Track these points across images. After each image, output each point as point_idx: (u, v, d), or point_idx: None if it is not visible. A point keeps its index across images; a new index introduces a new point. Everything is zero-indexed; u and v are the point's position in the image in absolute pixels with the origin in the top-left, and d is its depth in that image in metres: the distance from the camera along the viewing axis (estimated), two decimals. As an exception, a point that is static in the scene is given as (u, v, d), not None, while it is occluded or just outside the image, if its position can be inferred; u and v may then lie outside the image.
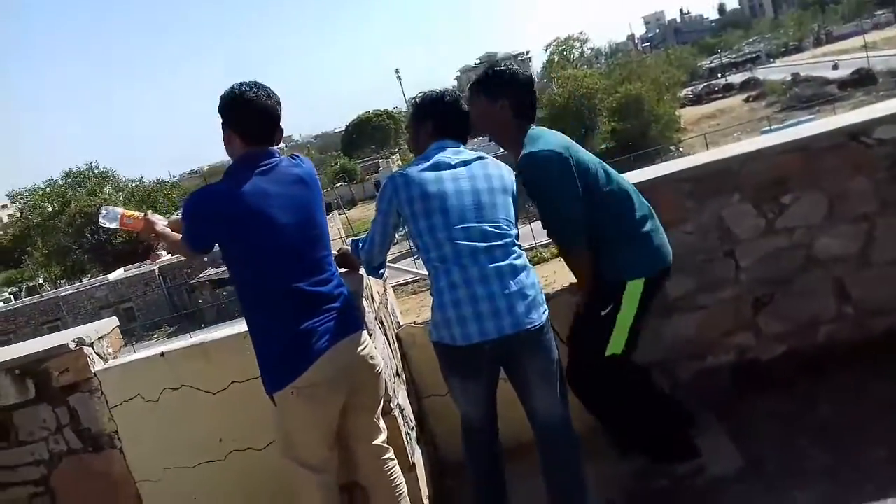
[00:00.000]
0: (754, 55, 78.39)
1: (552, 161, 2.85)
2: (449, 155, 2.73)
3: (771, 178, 3.40)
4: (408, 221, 2.71)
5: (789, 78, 52.24)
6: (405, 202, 2.67)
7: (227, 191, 2.60)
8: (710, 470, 3.06)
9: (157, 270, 39.20)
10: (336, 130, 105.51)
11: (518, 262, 2.64)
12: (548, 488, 2.78)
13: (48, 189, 54.11)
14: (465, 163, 2.73)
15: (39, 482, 3.43)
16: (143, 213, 3.00)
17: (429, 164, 2.71)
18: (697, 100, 61.39)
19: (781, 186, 3.40)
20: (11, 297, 51.66)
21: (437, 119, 2.83)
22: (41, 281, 53.04)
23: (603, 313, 2.96)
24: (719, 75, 71.91)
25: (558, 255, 3.31)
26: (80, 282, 46.27)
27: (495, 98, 2.99)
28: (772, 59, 76.48)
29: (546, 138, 2.95)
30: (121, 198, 51.32)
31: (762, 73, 62.87)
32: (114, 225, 3.02)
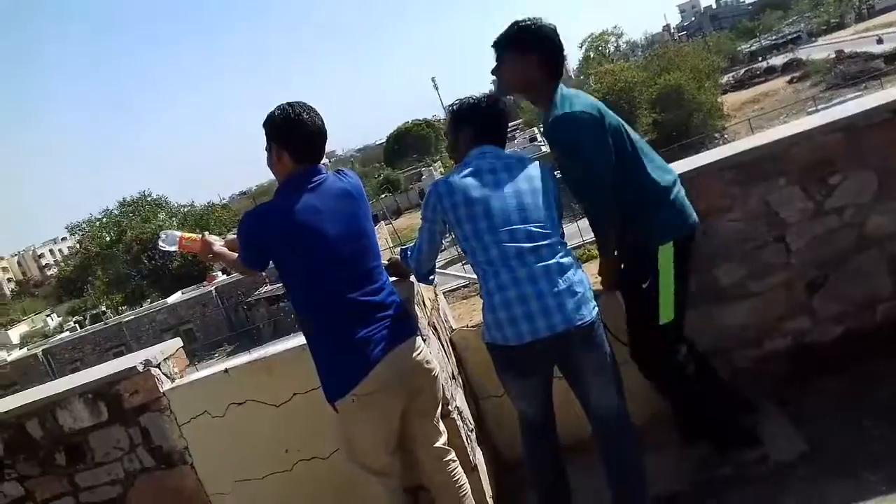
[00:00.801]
0: (795, 35, 76.48)
1: (588, 122, 2.86)
2: (490, 159, 2.78)
3: (816, 159, 3.36)
4: (453, 227, 2.76)
5: (833, 56, 50.88)
6: (449, 209, 2.73)
7: (280, 209, 2.69)
8: (774, 456, 3.04)
9: (213, 291, 40.02)
10: (377, 143, 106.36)
11: (565, 259, 2.67)
12: (608, 481, 2.80)
13: (104, 219, 55.50)
14: (507, 166, 2.77)
15: (117, 501, 3.58)
16: (200, 235, 3.11)
17: (470, 169, 2.76)
18: (739, 85, 60.17)
19: (828, 167, 3.36)
20: (77, 325, 53.17)
21: (475, 125, 2.87)
22: (103, 308, 54.45)
23: (644, 286, 2.97)
24: (760, 58, 70.33)
25: (585, 259, 3.32)
26: (141, 307, 47.40)
27: (524, 53, 2.97)
28: (813, 38, 74.63)
29: (581, 99, 2.96)
30: (174, 223, 52.41)
31: (804, 52, 61.33)
32: (174, 248, 3.14)
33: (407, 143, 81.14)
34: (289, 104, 2.74)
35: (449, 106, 3.01)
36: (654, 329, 3.02)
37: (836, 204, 3.39)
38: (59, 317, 65.48)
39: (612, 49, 68.86)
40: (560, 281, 2.62)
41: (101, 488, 3.59)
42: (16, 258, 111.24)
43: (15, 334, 59.96)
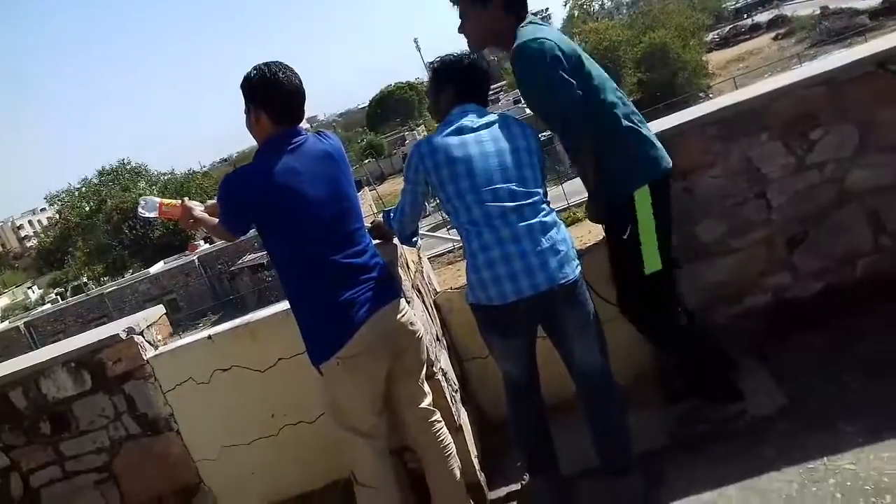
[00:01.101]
0: (780, -9, 76.12)
1: (537, 49, 2.80)
2: (471, 118, 2.75)
3: (798, 114, 3.35)
4: (436, 188, 2.74)
5: (818, 12, 50.71)
6: (431, 169, 2.70)
7: (259, 171, 2.66)
8: (754, 411, 3.08)
9: (196, 260, 39.78)
10: (360, 107, 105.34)
11: (548, 218, 2.66)
12: (593, 439, 2.83)
13: (84, 189, 54.85)
14: (488, 125, 2.74)
15: (103, 468, 3.60)
16: (180, 201, 3.08)
17: (452, 129, 2.73)
18: (724, 43, 59.90)
19: (810, 122, 3.35)
20: (58, 297, 52.83)
21: (457, 83, 2.84)
22: (85, 279, 54.07)
23: (625, 237, 2.95)
24: (745, 15, 69.98)
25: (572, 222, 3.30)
26: (123, 277, 47.12)
27: (485, 3, 2.93)
28: (798, -6, 74.28)
29: (543, 30, 2.90)
30: (154, 191, 51.87)
31: (789, 8, 61.00)
32: (153, 214, 3.10)
33: (390, 107, 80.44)
34: (265, 64, 2.70)
35: (430, 63, 2.97)
36: (643, 280, 3.00)
37: (818, 159, 3.38)
38: (40, 289, 64.95)
39: (596, 7, 68.20)
40: (543, 240, 2.61)
41: (87, 457, 3.60)
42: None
43: (-4, 307, 59.58)
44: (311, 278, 2.68)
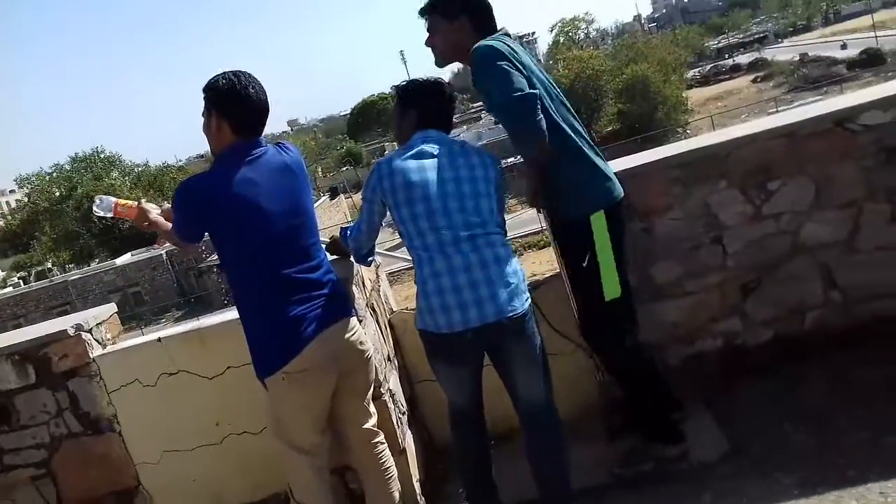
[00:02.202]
0: (762, 35, 77.64)
1: (494, 49, 2.81)
2: (432, 144, 2.76)
3: (758, 164, 3.41)
4: (391, 210, 2.74)
5: (797, 58, 51.81)
6: (388, 191, 2.71)
7: (216, 181, 2.64)
8: (696, 454, 3.11)
9: (164, 255, 39.34)
10: (342, 114, 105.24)
11: (501, 250, 2.68)
12: (533, 471, 2.83)
13: (55, 174, 54.15)
14: (449, 152, 2.76)
15: (41, 465, 3.54)
16: (136, 202, 3.05)
17: (412, 153, 2.75)
18: (705, 81, 60.87)
19: (768, 172, 3.41)
20: (21, 281, 51.89)
21: (420, 108, 2.85)
22: (50, 265, 53.20)
23: (584, 264, 2.97)
24: (727, 56, 71.23)
25: (543, 246, 3.33)
26: (89, 266, 46.44)
27: (452, 18, 2.97)
28: (780, 39, 75.80)
29: (500, 40, 2.91)
30: (127, 182, 51.37)
31: (770, 53, 62.34)
32: (108, 214, 3.08)
33: (371, 117, 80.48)
34: (234, 74, 2.67)
35: (394, 87, 2.99)
36: (603, 308, 3.02)
37: (774, 210, 3.44)
38: (2, 271, 63.81)
39: (582, 35, 68.99)
40: (494, 271, 2.63)
41: (26, 451, 3.53)
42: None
43: (-45, 287, 58.34)
44: (262, 291, 2.66)
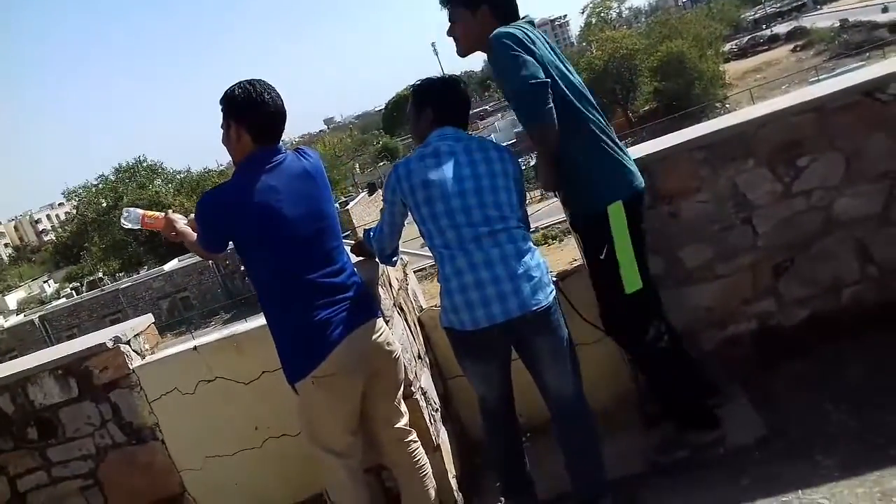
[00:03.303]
0: (800, 3, 75.58)
1: (512, 36, 2.78)
2: (449, 142, 2.76)
3: (786, 140, 3.34)
4: (411, 210, 2.76)
5: (837, 24, 50.39)
6: (407, 191, 2.72)
7: (237, 190, 2.67)
8: (732, 439, 3.06)
9: (210, 261, 40.00)
10: (377, 109, 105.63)
11: (522, 244, 2.67)
12: (566, 464, 2.83)
13: (101, 185, 55.34)
14: (466, 148, 2.75)
15: (88, 475, 3.62)
16: (163, 214, 3.10)
17: (429, 151, 2.75)
18: (742, 53, 59.65)
19: (797, 149, 3.34)
20: (73, 292, 53.27)
21: (436, 106, 2.85)
22: (100, 275, 54.49)
23: (602, 257, 2.94)
24: (764, 26, 69.61)
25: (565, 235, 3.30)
26: (138, 273, 47.45)
27: (473, 7, 2.95)
28: (818, 6, 73.67)
29: (520, 26, 2.89)
30: (170, 189, 52.31)
31: (809, 21, 60.66)
32: (136, 226, 3.13)
33: (406, 111, 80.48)
34: (249, 83, 2.70)
35: (410, 86, 2.99)
36: (624, 300, 2.99)
37: (804, 186, 3.36)
38: (55, 283, 65.58)
39: (614, 15, 68.11)
40: (516, 265, 2.62)
41: (74, 463, 3.62)
42: (13, 223, 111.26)
43: (12, 300, 60.06)
44: (287, 297, 2.69)
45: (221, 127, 2.74)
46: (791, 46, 54.02)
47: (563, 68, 2.94)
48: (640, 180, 3.00)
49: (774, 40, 59.62)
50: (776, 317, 3.49)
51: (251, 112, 2.68)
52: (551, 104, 2.72)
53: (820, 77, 32.19)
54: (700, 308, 3.48)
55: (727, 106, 39.83)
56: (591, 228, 2.98)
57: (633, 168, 3.00)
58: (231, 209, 2.65)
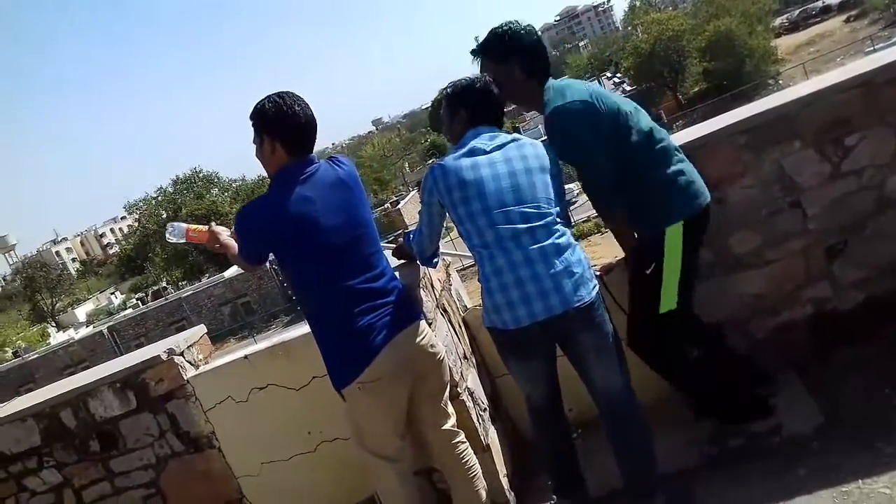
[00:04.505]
0: (852, -29, 73.15)
1: (580, 111, 2.81)
2: (484, 140, 2.75)
3: (832, 119, 3.23)
4: (449, 211, 2.75)
5: (893, -10, 48.59)
6: (444, 192, 2.71)
7: (274, 203, 2.71)
8: (789, 428, 2.99)
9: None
10: (423, 108, 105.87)
11: (561, 240, 2.64)
12: (616, 460, 2.79)
13: (160, 197, 56.81)
14: (501, 146, 2.73)
15: (150, 485, 3.72)
16: (207, 227, 3.16)
17: (464, 151, 2.74)
18: (794, 27, 58.12)
19: (845, 127, 3.23)
20: (139, 302, 54.83)
21: (469, 107, 2.83)
22: (164, 284, 55.98)
23: (648, 272, 2.92)
24: (815, -3, 67.60)
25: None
26: (199, 281, 48.55)
27: (502, 61, 2.95)
28: (872, -27, 71.27)
29: (573, 88, 2.91)
30: (227, 198, 53.31)
31: (862, -11, 58.73)
32: (181, 240, 3.20)
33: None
34: (278, 96, 2.73)
35: (443, 89, 2.98)
36: (654, 319, 2.97)
37: (854, 166, 3.25)
38: (122, 294, 67.64)
39: (659, -2, 66.93)
40: (557, 262, 2.59)
41: (135, 473, 3.73)
42: (79, 238, 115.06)
43: (81, 313, 62.20)
44: (328, 305, 2.72)
45: (254, 142, 2.79)
46: (844, 17, 52.47)
47: (615, 101, 2.93)
48: (705, 196, 2.98)
49: (826, 11, 57.95)
50: (832, 301, 3.39)
51: (282, 125, 2.71)
52: (615, 191, 2.86)
53: (876, 47, 31.11)
54: (751, 295, 3.40)
55: (780, 82, 38.83)
56: (643, 245, 2.97)
57: (697, 184, 2.97)
58: (268, 222, 2.69)
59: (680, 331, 3.05)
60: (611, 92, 2.99)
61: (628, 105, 2.97)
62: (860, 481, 2.62)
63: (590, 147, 2.83)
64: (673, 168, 2.93)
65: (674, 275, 2.90)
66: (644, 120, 2.96)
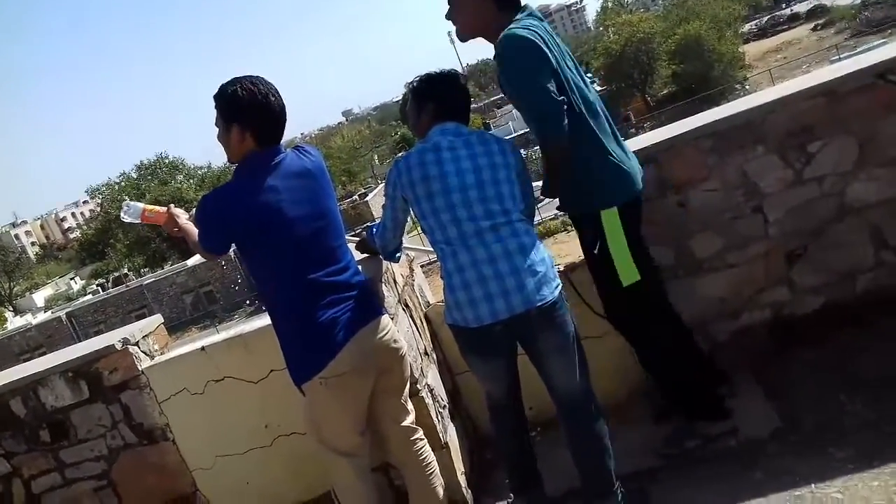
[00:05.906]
0: (820, -20, 74.41)
1: (529, 41, 2.69)
2: (450, 136, 2.72)
3: (796, 126, 3.26)
4: (412, 205, 2.71)
5: (858, 2, 49.60)
6: (407, 186, 2.68)
7: (238, 191, 2.63)
8: (745, 431, 3.01)
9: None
10: (394, 100, 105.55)
11: (525, 238, 2.62)
12: (574, 460, 2.79)
13: (123, 183, 55.89)
14: (467, 142, 2.70)
15: (101, 476, 3.65)
16: (165, 208, 3.08)
17: (430, 146, 2.70)
18: (762, 33, 58.99)
19: (808, 134, 3.26)
20: (99, 288, 53.95)
21: (436, 101, 2.80)
22: (126, 271, 55.12)
23: (595, 251, 2.89)
24: (784, 5, 68.65)
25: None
26: (162, 269, 47.89)
27: None
28: (839, -17, 72.57)
29: (531, 22, 2.79)
30: (192, 184, 52.63)
31: (829, -2, 59.81)
32: (136, 220, 3.11)
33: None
34: (251, 83, 2.61)
35: (408, 83, 2.94)
36: (623, 293, 2.93)
37: (816, 173, 3.29)
38: (82, 280, 66.46)
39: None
40: (520, 260, 2.57)
41: (86, 464, 3.65)
42: (38, 222, 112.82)
43: (40, 298, 61.05)
44: (291, 297, 2.66)
45: (216, 125, 2.68)
46: (811, 25, 53.37)
47: (572, 71, 2.85)
48: (639, 184, 2.93)
49: (795, 19, 58.94)
50: (790, 306, 3.43)
51: (256, 114, 2.61)
52: (566, 124, 2.69)
53: (841, 56, 31.67)
54: (712, 298, 3.42)
55: (747, 87, 39.34)
56: (583, 226, 2.95)
57: (634, 170, 2.92)
58: (232, 211, 2.61)
59: (655, 311, 3.03)
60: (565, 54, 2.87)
61: (580, 75, 2.89)
62: (813, 486, 2.64)
63: (543, 72, 2.69)
64: (613, 148, 2.86)
65: (622, 251, 2.86)
66: (590, 94, 2.89)
